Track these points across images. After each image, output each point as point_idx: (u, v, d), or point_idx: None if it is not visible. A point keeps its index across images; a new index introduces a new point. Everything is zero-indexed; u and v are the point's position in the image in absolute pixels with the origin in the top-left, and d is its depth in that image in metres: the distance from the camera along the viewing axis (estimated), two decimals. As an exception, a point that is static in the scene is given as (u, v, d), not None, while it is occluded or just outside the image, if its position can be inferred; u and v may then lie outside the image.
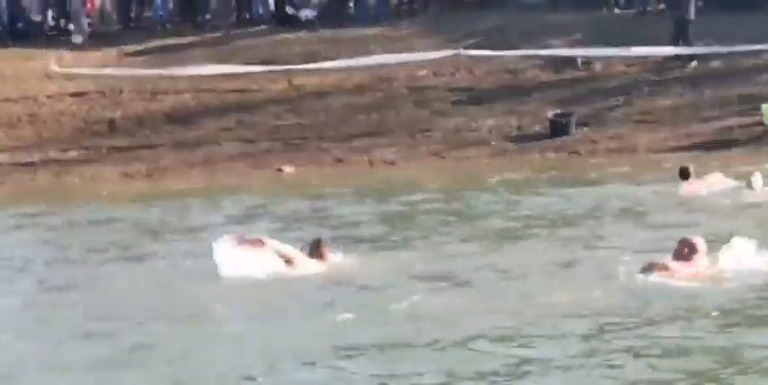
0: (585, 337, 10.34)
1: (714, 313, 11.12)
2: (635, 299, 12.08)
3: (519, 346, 9.96)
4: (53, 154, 26.07)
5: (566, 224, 17.57)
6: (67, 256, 16.26)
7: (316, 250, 14.06)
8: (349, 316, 11.39)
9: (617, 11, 29.36)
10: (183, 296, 12.87)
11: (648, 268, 13.12)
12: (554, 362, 9.30)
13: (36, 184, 25.05)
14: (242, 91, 27.59)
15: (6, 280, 14.60)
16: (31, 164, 25.71)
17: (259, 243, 13.97)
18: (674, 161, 22.37)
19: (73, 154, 26.02)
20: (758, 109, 24.81)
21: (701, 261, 12.92)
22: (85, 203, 21.92)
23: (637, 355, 9.55)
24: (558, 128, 25.20)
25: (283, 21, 29.88)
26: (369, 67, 27.08)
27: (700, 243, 12.95)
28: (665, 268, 13.02)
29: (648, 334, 10.42)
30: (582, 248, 14.96)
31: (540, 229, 17.14)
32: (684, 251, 12.91)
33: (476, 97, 26.82)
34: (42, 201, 22.40)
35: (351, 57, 27.08)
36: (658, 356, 9.45)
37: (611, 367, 9.16)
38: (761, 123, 24.63)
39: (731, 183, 19.29)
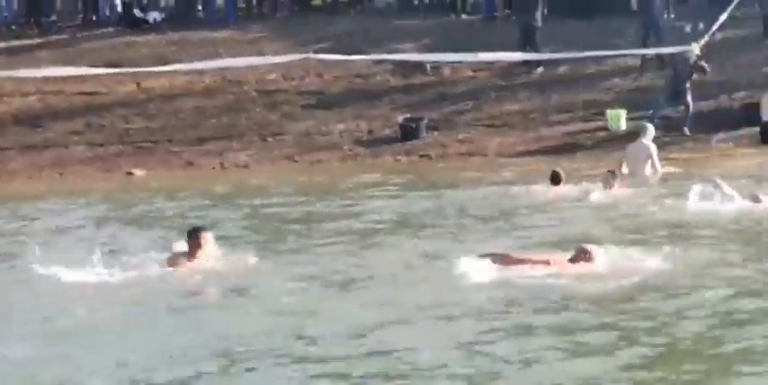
0: (460, 331, 10.43)
1: (589, 307, 11.47)
2: (506, 293, 12.17)
3: (398, 340, 9.98)
4: None
5: (421, 225, 17.57)
6: None
7: (195, 240, 13.47)
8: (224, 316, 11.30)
9: (464, 16, 29.50)
10: (31, 300, 12.48)
11: (540, 262, 13.47)
12: (442, 356, 9.39)
13: None
14: (90, 93, 27.37)
15: None
16: None
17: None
18: (522, 165, 23.28)
19: None
20: (603, 114, 25.38)
21: (595, 266, 13.36)
22: (-71, 206, 21.19)
23: (514, 346, 9.84)
24: (408, 132, 25.52)
25: (131, 23, 29.73)
26: (218, 70, 26.93)
27: (595, 250, 13.37)
28: (556, 265, 13.39)
29: (524, 326, 10.65)
30: (443, 247, 14.81)
31: (398, 231, 17.18)
32: (581, 256, 13.24)
33: (326, 101, 26.99)
34: None
35: (200, 59, 27.12)
36: (534, 353, 9.55)
37: (488, 356, 9.40)
38: (605, 128, 25.12)
39: (590, 185, 19.61)
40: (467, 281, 12.61)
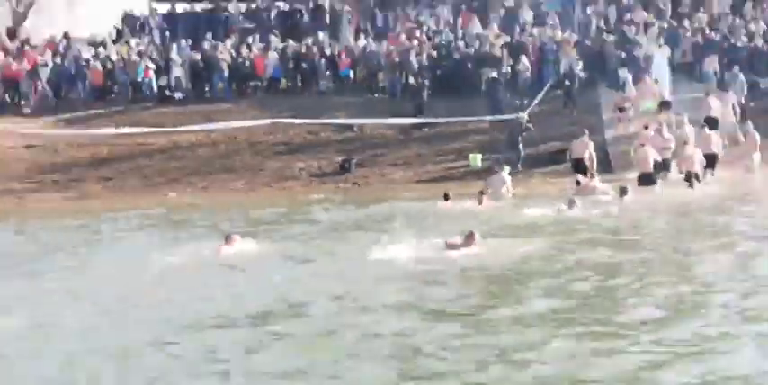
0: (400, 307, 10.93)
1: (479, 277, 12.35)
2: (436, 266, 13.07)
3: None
4: (12, 185, 25.96)
5: (357, 227, 18.04)
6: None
7: (229, 239, 14.92)
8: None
9: (377, 95, 29.63)
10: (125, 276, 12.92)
11: (448, 245, 14.16)
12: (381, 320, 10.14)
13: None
14: (140, 144, 27.64)
15: None
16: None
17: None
18: (418, 189, 23.73)
19: (25, 184, 26.00)
20: (466, 157, 25.88)
21: (477, 245, 13.94)
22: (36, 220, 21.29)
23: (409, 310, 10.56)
24: (344, 168, 26.07)
25: (164, 99, 29.71)
26: (221, 129, 27.56)
27: (477, 235, 14.05)
28: (454, 246, 14.05)
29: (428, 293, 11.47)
30: (381, 242, 14.74)
31: (343, 230, 17.72)
32: (470, 238, 13.90)
33: (290, 149, 27.53)
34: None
35: (209, 122, 27.72)
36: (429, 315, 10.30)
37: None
38: (467, 166, 25.69)
39: (467, 201, 20.16)
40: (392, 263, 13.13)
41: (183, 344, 9.73)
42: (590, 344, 8.87)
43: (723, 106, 25.45)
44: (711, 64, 27.98)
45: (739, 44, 28.64)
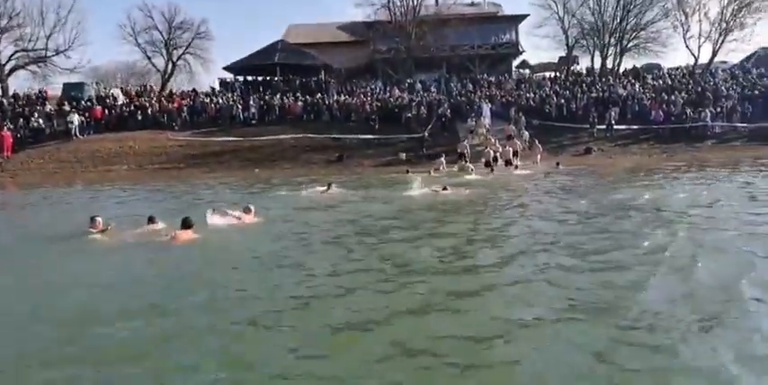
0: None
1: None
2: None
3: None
4: (174, 164, 24.31)
5: (360, 186, 15.56)
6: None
7: (247, 209, 9.51)
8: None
9: (353, 123, 26.70)
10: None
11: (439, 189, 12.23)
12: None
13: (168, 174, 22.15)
14: (234, 144, 25.60)
15: None
16: (166, 169, 23.87)
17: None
18: (389, 171, 20.61)
19: (179, 164, 24.39)
20: (397, 154, 23.65)
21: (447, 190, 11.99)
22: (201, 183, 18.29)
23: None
24: (340, 159, 23.84)
25: (246, 123, 27.31)
26: (276, 138, 25.49)
27: (449, 188, 11.98)
28: (442, 189, 12.05)
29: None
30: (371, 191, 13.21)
31: (347, 185, 15.07)
32: (444, 188, 12.03)
33: (312, 149, 24.90)
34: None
35: (270, 135, 25.88)
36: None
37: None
38: (398, 158, 23.38)
39: (422, 174, 18.07)
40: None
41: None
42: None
43: (517, 130, 24.82)
44: (511, 111, 27.29)
45: (523, 102, 28.85)
